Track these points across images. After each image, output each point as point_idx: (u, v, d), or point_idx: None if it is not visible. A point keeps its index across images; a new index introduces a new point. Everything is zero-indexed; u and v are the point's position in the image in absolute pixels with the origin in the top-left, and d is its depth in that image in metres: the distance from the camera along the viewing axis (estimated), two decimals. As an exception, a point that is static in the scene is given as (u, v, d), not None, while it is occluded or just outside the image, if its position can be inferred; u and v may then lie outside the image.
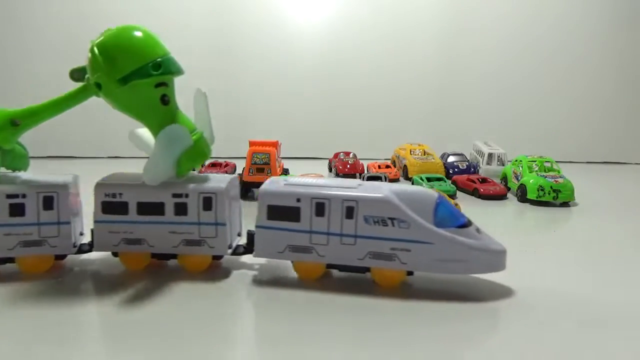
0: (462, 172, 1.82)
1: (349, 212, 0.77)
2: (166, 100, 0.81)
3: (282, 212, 0.79)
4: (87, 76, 0.78)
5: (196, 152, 0.84)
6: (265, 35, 2.38)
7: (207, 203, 0.82)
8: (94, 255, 0.89)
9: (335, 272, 0.86)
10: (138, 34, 0.78)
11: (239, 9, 2.35)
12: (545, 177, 1.50)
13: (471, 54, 2.44)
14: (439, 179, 1.64)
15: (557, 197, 1.46)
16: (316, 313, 0.72)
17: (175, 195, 0.82)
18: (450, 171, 1.85)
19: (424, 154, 1.92)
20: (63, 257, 0.86)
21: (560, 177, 1.51)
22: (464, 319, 0.72)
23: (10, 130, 0.79)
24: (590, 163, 2.46)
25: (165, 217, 0.82)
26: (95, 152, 2.34)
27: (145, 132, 0.87)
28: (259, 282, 0.83)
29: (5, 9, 2.25)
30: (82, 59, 0.80)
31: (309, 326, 0.69)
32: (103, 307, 0.73)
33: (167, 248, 0.84)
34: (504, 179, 1.69)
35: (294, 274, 0.84)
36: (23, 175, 0.86)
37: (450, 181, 1.67)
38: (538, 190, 1.47)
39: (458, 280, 0.84)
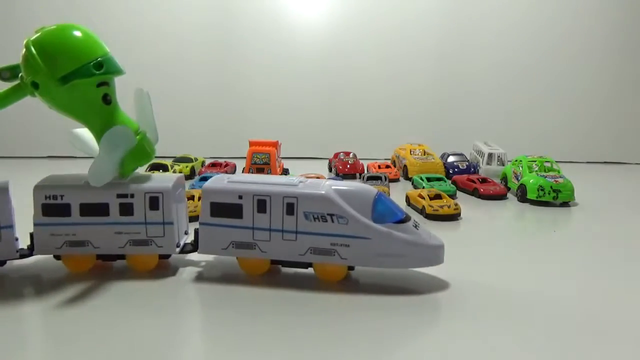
0: (462, 172, 1.82)
1: (290, 209, 0.79)
2: (108, 99, 0.80)
3: (225, 209, 0.81)
4: (21, 75, 0.76)
5: (140, 153, 0.84)
6: (266, 36, 2.38)
7: (154, 202, 0.82)
8: (32, 259, 0.86)
9: (281, 268, 0.87)
10: (77, 32, 0.76)
11: (239, 8, 2.35)
12: (545, 177, 1.50)
13: (471, 54, 2.44)
14: (439, 179, 1.64)
15: (557, 197, 1.46)
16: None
17: (120, 196, 0.82)
18: (450, 171, 1.85)
19: (424, 154, 1.92)
20: (3, 263, 0.84)
21: (560, 177, 1.51)
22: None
23: None
24: (590, 163, 2.46)
25: (110, 218, 0.82)
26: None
27: (84, 132, 0.87)
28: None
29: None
30: (11, 57, 0.78)
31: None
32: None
33: (113, 249, 0.83)
34: (504, 179, 1.69)
35: (240, 271, 0.85)
36: None
37: (450, 181, 1.67)
38: (538, 190, 1.47)
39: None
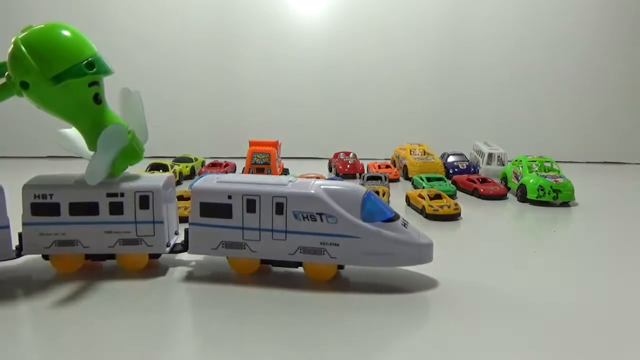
0: (462, 172, 1.82)
1: (279, 208, 0.79)
2: (99, 99, 0.80)
3: (215, 209, 0.81)
4: (7, 74, 0.75)
5: (131, 152, 0.84)
6: (266, 36, 2.38)
7: (144, 202, 0.82)
8: (21, 259, 0.85)
9: (272, 267, 0.87)
10: (67, 32, 0.76)
11: (239, 8, 2.35)
12: (545, 177, 1.50)
13: (472, 54, 2.44)
14: (439, 179, 1.64)
15: (557, 197, 1.46)
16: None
17: (109, 195, 0.82)
18: (450, 171, 1.85)
19: (424, 154, 1.92)
20: None
21: (560, 177, 1.51)
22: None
23: None
24: (590, 163, 2.46)
25: (100, 217, 0.82)
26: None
27: (71, 132, 0.87)
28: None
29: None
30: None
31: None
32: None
33: (102, 248, 0.83)
34: (504, 179, 1.69)
35: (230, 270, 0.86)
36: None
37: (450, 181, 1.67)
38: (538, 190, 1.47)
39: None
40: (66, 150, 0.87)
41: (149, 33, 2.32)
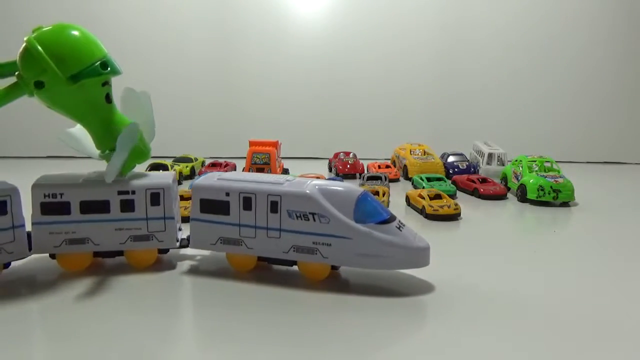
0: (462, 172, 1.82)
1: (274, 207, 0.80)
2: (110, 98, 0.82)
3: (214, 206, 0.83)
4: (18, 73, 0.75)
5: (138, 151, 0.85)
6: (266, 36, 2.38)
7: (155, 198, 0.84)
8: (25, 259, 0.85)
9: (272, 266, 0.88)
10: (80, 33, 0.77)
11: (240, 8, 2.35)
12: (545, 177, 1.50)
13: (472, 54, 2.44)
14: (439, 179, 1.64)
15: (557, 197, 1.46)
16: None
17: (121, 193, 0.83)
18: (450, 171, 1.85)
19: (424, 154, 1.92)
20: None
21: (560, 177, 1.51)
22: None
23: None
24: (590, 163, 2.46)
25: (111, 215, 0.83)
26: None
27: (78, 132, 0.87)
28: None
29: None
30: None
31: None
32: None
33: (114, 245, 0.85)
34: (504, 179, 1.69)
35: (229, 266, 0.87)
36: None
37: (450, 181, 1.67)
38: (538, 190, 1.47)
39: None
40: (73, 149, 0.87)
41: (148, 33, 2.32)
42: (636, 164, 2.47)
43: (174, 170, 1.68)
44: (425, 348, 0.64)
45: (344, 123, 2.45)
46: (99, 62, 0.77)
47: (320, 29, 2.39)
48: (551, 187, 1.46)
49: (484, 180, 1.63)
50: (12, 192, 0.78)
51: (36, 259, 0.85)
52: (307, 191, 0.79)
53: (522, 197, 1.51)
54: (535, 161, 1.60)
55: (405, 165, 1.88)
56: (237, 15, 2.36)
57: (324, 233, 0.78)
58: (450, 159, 1.96)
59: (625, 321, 0.72)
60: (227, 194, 0.82)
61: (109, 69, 0.78)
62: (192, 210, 0.85)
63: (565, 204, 1.48)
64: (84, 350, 0.61)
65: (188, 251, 0.94)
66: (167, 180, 0.86)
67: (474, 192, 1.59)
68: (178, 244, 0.88)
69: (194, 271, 0.87)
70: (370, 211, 0.79)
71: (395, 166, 1.96)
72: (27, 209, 0.81)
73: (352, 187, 0.82)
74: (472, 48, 2.43)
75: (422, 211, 1.32)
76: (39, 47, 0.73)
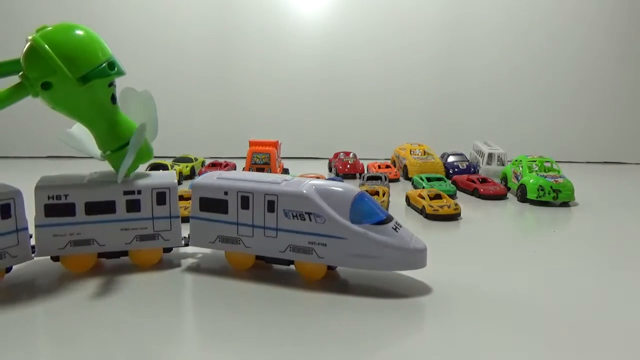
0: (462, 172, 1.82)
1: (271, 206, 0.81)
2: (115, 99, 0.82)
3: (212, 204, 0.84)
4: (22, 74, 0.74)
5: (143, 151, 0.86)
6: (266, 36, 2.38)
7: (161, 198, 0.85)
8: (22, 264, 0.83)
9: (272, 265, 0.89)
10: (87, 33, 0.76)
11: (239, 7, 2.35)
12: (545, 177, 1.50)
13: (471, 54, 2.44)
14: (439, 179, 1.64)
15: (557, 197, 1.46)
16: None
17: (127, 193, 0.83)
18: (450, 171, 1.85)
19: (424, 154, 1.92)
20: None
21: (560, 177, 1.51)
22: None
23: None
24: (590, 163, 2.46)
25: (117, 215, 0.83)
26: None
27: (79, 132, 0.87)
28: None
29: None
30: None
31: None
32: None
33: (119, 245, 0.85)
34: (504, 179, 1.68)
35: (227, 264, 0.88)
36: None
37: (450, 181, 1.67)
38: (538, 190, 1.47)
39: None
40: (74, 149, 0.87)
41: (147, 32, 2.32)
42: (636, 164, 2.47)
43: (174, 170, 1.68)
44: (424, 349, 0.64)
45: (344, 123, 2.45)
46: (106, 63, 0.77)
47: (321, 29, 2.39)
48: (551, 187, 1.46)
49: (484, 180, 1.63)
50: (15, 195, 0.77)
51: (37, 261, 0.85)
52: (304, 191, 0.79)
53: (522, 197, 1.51)
54: (535, 161, 1.60)
55: (405, 165, 1.88)
56: (237, 15, 2.36)
57: (319, 233, 0.79)
58: (450, 159, 1.96)
59: (625, 321, 0.72)
60: (226, 193, 0.83)
61: (115, 69, 0.78)
62: (192, 209, 0.86)
63: (565, 204, 1.48)
64: (87, 351, 0.61)
65: (189, 249, 0.94)
66: (172, 179, 0.87)
67: (474, 192, 1.59)
68: (184, 242, 0.89)
69: (195, 270, 0.88)
70: (367, 211, 0.79)
71: (395, 166, 1.96)
72: (28, 212, 0.81)
73: (349, 187, 0.82)
74: (473, 47, 2.43)
75: (422, 211, 1.32)
76: (47, 47, 0.72)
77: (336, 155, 2.03)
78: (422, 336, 0.69)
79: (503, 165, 1.87)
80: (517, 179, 1.58)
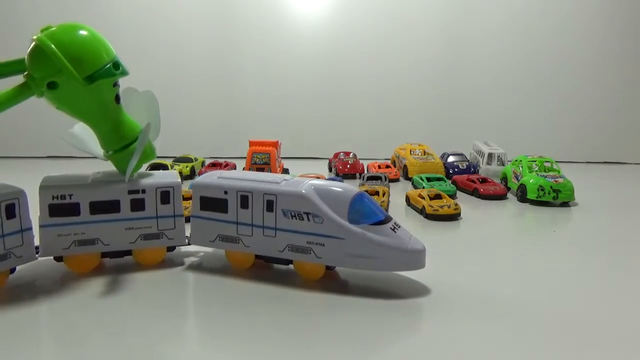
0: (462, 172, 1.82)
1: (269, 206, 0.81)
2: (119, 99, 0.82)
3: (212, 203, 0.85)
4: (27, 73, 0.74)
5: (147, 151, 0.86)
6: (266, 36, 2.38)
7: (165, 197, 0.86)
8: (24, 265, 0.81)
9: (266, 263, 0.89)
10: (91, 33, 0.77)
11: (239, 7, 2.35)
12: (545, 177, 1.50)
13: (472, 54, 2.44)
14: (439, 179, 1.64)
15: (557, 197, 1.46)
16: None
17: (131, 192, 0.84)
18: (450, 171, 1.85)
19: (424, 154, 1.92)
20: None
21: (560, 177, 1.51)
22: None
23: None
24: (590, 163, 2.46)
25: (121, 214, 0.84)
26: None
27: (82, 132, 0.87)
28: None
29: None
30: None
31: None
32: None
33: (124, 245, 0.85)
34: (504, 179, 1.69)
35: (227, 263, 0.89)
36: None
37: (450, 181, 1.67)
38: (538, 190, 1.47)
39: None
40: (78, 149, 0.87)
41: (147, 32, 2.32)
42: (636, 164, 2.47)
43: (174, 170, 1.68)
44: (423, 348, 0.64)
45: (344, 123, 2.45)
46: (111, 63, 0.77)
47: (321, 29, 2.39)
48: (551, 187, 1.46)
49: (484, 180, 1.63)
50: (19, 195, 0.77)
51: (39, 262, 0.85)
52: (302, 191, 0.79)
53: (522, 197, 1.51)
54: (535, 161, 1.60)
55: (405, 165, 1.88)
56: (237, 15, 2.36)
57: (317, 233, 0.79)
58: (450, 159, 1.96)
59: (625, 321, 0.72)
60: (225, 192, 0.84)
61: (120, 69, 0.78)
62: (193, 208, 0.87)
63: (565, 204, 1.48)
64: (90, 350, 0.62)
65: (190, 248, 0.95)
66: (175, 179, 0.88)
67: (474, 192, 1.59)
68: (187, 241, 0.90)
69: (196, 268, 0.89)
70: (365, 212, 0.79)
71: (395, 166, 1.96)
72: (31, 211, 0.81)
73: (348, 187, 0.82)
74: (473, 48, 2.43)
75: (422, 211, 1.32)
76: (54, 48, 0.72)
77: (336, 155, 2.03)
78: (421, 336, 0.69)
79: (503, 165, 1.87)
80: (517, 179, 1.58)
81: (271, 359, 0.61)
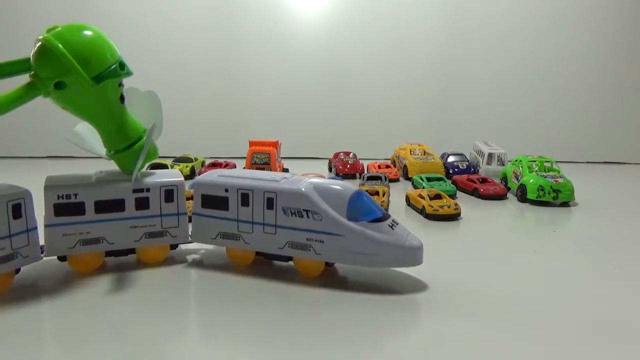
0: (462, 172, 1.82)
1: (270, 203, 0.83)
2: (124, 98, 0.83)
3: (213, 201, 0.86)
4: (33, 73, 0.74)
5: (150, 151, 0.87)
6: (266, 36, 2.38)
7: (169, 195, 0.87)
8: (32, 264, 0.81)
9: (266, 260, 0.90)
10: (97, 33, 0.77)
11: (239, 8, 2.35)
12: (545, 177, 1.50)
13: (471, 54, 2.44)
14: (439, 179, 1.64)
15: (557, 197, 1.46)
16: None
17: (136, 191, 0.85)
18: (450, 171, 1.85)
19: (424, 154, 1.92)
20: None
21: (560, 177, 1.51)
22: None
23: None
24: (590, 163, 2.46)
25: (126, 213, 0.84)
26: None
27: (86, 132, 0.88)
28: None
29: None
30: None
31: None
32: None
33: (128, 243, 0.86)
34: (504, 179, 1.69)
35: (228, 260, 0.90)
36: None
37: (450, 181, 1.67)
38: (538, 190, 1.47)
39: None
40: (83, 149, 0.88)
41: (147, 33, 2.32)
42: (636, 164, 2.48)
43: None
44: (422, 346, 0.64)
45: (343, 123, 2.45)
46: (117, 63, 0.78)
47: (322, 29, 2.39)
48: (551, 187, 1.46)
49: (484, 180, 1.63)
50: (25, 195, 0.77)
51: (43, 261, 0.85)
52: (302, 189, 0.81)
53: (522, 197, 1.51)
54: (535, 161, 1.61)
55: (405, 165, 1.88)
56: (237, 16, 2.36)
57: (317, 230, 0.80)
58: (450, 159, 1.96)
59: (625, 321, 0.72)
60: (226, 190, 0.85)
61: (125, 69, 0.79)
62: (194, 206, 0.88)
63: (565, 204, 1.48)
64: (93, 347, 0.62)
65: (191, 246, 0.96)
66: (178, 177, 0.89)
67: (474, 192, 1.59)
68: (190, 239, 0.90)
69: (198, 265, 0.90)
70: (363, 209, 0.80)
71: (395, 166, 1.96)
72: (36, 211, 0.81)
73: (347, 185, 0.83)
74: (473, 48, 2.43)
75: (422, 211, 1.32)
76: (62, 48, 0.72)
77: (336, 155, 2.03)
78: (419, 331, 0.69)
79: (503, 165, 1.87)
80: (517, 179, 1.58)
81: (272, 354, 0.61)
